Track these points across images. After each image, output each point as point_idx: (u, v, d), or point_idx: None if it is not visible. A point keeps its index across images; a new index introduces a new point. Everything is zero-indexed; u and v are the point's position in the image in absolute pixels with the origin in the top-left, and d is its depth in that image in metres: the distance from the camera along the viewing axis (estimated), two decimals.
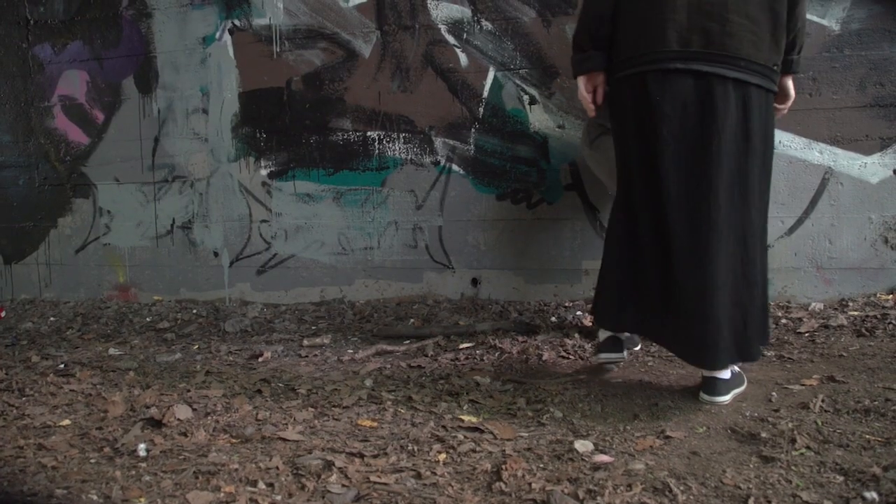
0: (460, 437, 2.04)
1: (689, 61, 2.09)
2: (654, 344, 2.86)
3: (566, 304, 3.64)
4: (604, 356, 2.63)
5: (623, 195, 2.38)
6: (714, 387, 2.22)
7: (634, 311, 2.34)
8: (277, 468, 1.84)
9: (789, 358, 2.76)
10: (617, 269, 2.38)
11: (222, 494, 1.70)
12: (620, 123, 2.33)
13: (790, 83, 2.33)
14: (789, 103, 2.39)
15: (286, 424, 2.21)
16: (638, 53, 2.18)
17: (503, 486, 1.70)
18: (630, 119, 2.25)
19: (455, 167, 3.89)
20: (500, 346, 3.10)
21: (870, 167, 3.40)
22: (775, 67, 2.14)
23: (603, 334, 2.67)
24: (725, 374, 2.23)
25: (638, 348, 2.95)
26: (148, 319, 4.08)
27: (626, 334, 2.66)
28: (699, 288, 2.13)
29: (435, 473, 1.79)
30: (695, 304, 2.15)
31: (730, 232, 2.14)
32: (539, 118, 3.72)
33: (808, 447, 1.85)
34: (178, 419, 2.24)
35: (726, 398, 2.23)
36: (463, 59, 3.84)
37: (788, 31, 2.17)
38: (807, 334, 3.07)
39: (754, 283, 2.19)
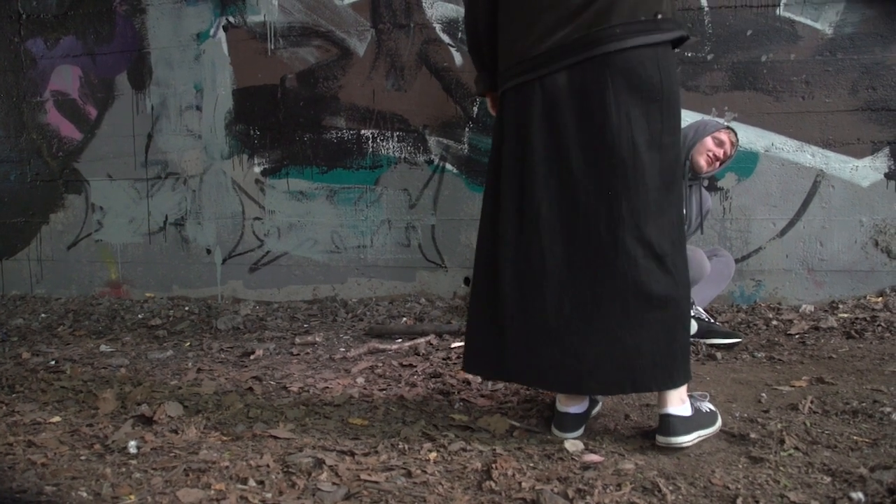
0: (451, 435, 2.04)
1: (561, 59, 1.85)
2: None
3: None
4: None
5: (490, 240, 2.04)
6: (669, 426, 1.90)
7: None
8: (268, 466, 1.84)
9: (779, 359, 2.77)
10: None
11: (213, 492, 1.70)
12: (498, 144, 2.04)
13: None
14: None
15: (277, 422, 2.21)
16: (512, 63, 1.96)
17: (493, 484, 1.70)
18: (509, 137, 1.98)
19: (448, 166, 3.90)
20: None
21: (861, 170, 3.42)
22: (658, 16, 1.86)
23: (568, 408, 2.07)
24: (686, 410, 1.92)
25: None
26: (140, 316, 4.07)
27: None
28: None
29: (425, 472, 1.80)
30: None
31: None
32: None
33: (796, 448, 1.86)
34: (169, 416, 2.24)
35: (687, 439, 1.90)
36: (457, 58, 3.84)
37: None
38: (797, 336, 3.09)
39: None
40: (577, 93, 1.86)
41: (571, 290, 1.90)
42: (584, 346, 1.89)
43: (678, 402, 1.91)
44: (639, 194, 1.85)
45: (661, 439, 1.90)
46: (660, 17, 1.86)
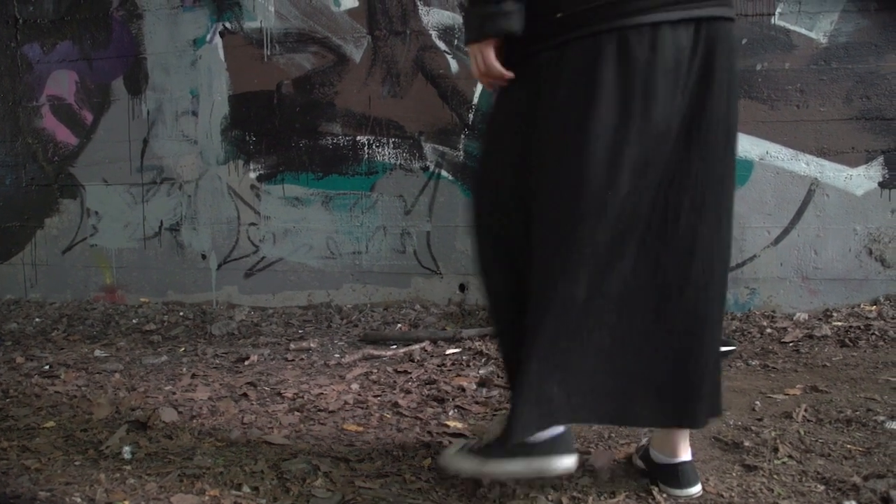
0: (446, 442, 2.05)
1: (657, 10, 1.46)
2: None
3: None
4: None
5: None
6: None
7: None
8: (262, 472, 1.84)
9: (773, 367, 2.78)
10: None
11: (207, 498, 1.70)
12: (548, 116, 1.56)
13: None
14: None
15: (272, 428, 2.21)
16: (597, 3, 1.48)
17: (487, 492, 1.71)
18: (581, 109, 1.50)
19: (444, 173, 3.91)
20: (487, 351, 3.11)
21: (855, 179, 3.44)
22: None
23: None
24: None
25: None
26: (134, 321, 4.06)
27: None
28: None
29: (420, 479, 1.80)
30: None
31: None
32: None
33: (790, 456, 1.87)
34: (164, 422, 2.24)
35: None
36: (453, 65, 3.85)
37: None
38: (791, 344, 3.09)
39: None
40: (677, 58, 1.49)
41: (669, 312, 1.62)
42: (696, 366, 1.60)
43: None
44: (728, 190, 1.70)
45: (679, 492, 1.65)
46: None
